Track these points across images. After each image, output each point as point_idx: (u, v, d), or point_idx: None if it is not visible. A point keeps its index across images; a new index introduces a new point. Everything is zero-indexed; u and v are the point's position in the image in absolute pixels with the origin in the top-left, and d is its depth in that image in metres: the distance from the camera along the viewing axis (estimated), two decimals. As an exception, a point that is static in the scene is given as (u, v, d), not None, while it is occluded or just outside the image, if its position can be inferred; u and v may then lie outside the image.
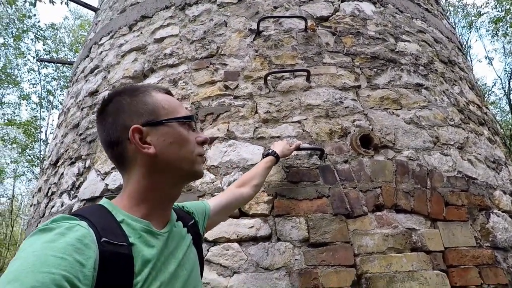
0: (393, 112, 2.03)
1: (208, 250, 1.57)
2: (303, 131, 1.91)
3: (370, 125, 1.95)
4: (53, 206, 2.40)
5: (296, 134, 1.89)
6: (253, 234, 1.57)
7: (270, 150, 1.58)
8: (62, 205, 2.30)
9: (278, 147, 1.60)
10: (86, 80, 2.99)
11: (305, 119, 1.95)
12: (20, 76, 13.12)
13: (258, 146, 1.86)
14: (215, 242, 1.59)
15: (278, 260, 1.49)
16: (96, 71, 2.93)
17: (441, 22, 3.16)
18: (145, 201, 0.68)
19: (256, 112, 2.00)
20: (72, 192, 2.29)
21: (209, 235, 1.61)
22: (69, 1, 5.62)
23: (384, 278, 1.46)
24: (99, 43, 3.15)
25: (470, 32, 12.24)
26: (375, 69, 2.20)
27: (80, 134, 2.57)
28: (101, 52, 3.02)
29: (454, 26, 3.87)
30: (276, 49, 2.24)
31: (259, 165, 1.44)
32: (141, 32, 2.76)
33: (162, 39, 2.58)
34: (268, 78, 2.10)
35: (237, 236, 1.57)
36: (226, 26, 2.41)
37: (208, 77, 2.21)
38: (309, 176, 1.74)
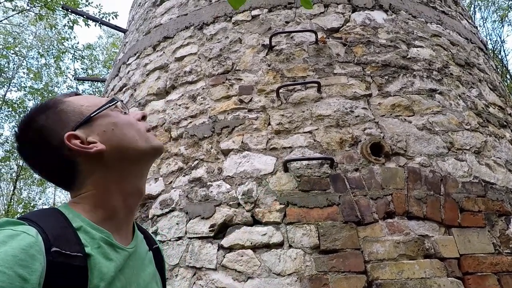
0: (405, 119, 2.04)
1: (224, 256, 1.68)
2: (314, 141, 1.97)
3: (381, 133, 1.98)
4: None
5: (307, 144, 1.96)
6: (266, 241, 1.66)
7: None
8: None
9: None
10: (116, 98, 3.25)
11: (316, 129, 2.02)
12: (60, 93, 14.21)
13: (271, 157, 1.96)
14: (230, 248, 1.69)
15: (290, 266, 1.56)
16: (124, 89, 3.18)
17: (460, 23, 3.09)
18: (106, 207, 0.62)
19: (269, 124, 2.10)
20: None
21: (225, 242, 1.72)
22: (102, 24, 6.09)
23: (395, 285, 1.48)
24: (127, 63, 3.42)
25: (502, 26, 11.59)
26: (387, 77, 2.22)
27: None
28: (129, 71, 3.28)
29: (476, 26, 3.75)
30: (288, 62, 2.34)
31: None
32: (164, 52, 2.97)
33: (182, 58, 2.77)
34: (280, 90, 2.20)
35: (251, 243, 1.67)
36: (241, 43, 2.55)
37: (224, 92, 2.35)
38: (320, 184, 1.80)
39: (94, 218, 0.59)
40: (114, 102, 0.67)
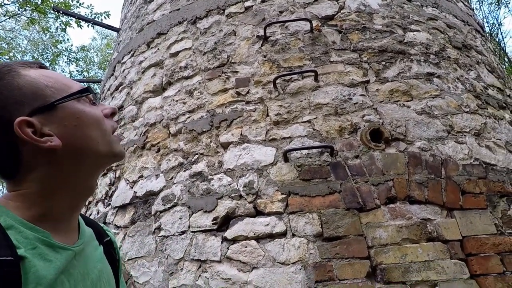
0: (403, 104, 2.03)
1: (228, 248, 1.68)
2: (313, 130, 1.97)
3: (380, 119, 1.97)
4: (90, 214, 2.64)
5: (306, 134, 1.96)
6: (269, 231, 1.66)
7: None
8: (98, 213, 2.52)
9: None
10: (113, 97, 3.24)
11: (314, 118, 2.01)
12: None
13: (271, 148, 1.95)
14: (234, 240, 1.70)
15: (294, 255, 1.57)
16: (120, 88, 3.16)
17: (456, 5, 3.07)
18: (46, 205, 0.54)
19: (267, 115, 2.09)
20: (106, 200, 2.51)
21: (228, 234, 1.72)
22: (94, 25, 6.03)
23: (399, 269, 1.49)
24: (122, 61, 3.40)
25: (499, 8, 11.48)
26: (383, 63, 2.21)
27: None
28: (124, 70, 3.26)
29: (472, 8, 3.71)
30: (284, 52, 2.32)
31: None
32: (158, 48, 2.95)
33: (177, 53, 2.75)
34: (277, 81, 2.18)
35: (254, 234, 1.67)
36: (235, 35, 2.53)
37: (221, 86, 2.33)
38: (321, 173, 1.80)
39: (28, 216, 0.51)
40: (85, 93, 0.58)
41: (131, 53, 3.28)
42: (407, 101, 2.05)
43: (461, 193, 1.73)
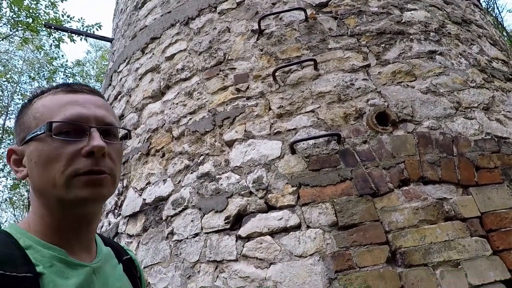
0: (407, 85, 1.99)
1: (243, 246, 1.66)
2: (318, 119, 1.93)
3: (385, 101, 1.93)
4: (102, 226, 2.63)
5: (311, 124, 1.92)
6: (283, 225, 1.63)
7: None
8: (109, 224, 2.51)
9: None
10: (112, 107, 3.23)
11: (318, 107, 1.98)
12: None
13: (276, 141, 1.92)
14: (248, 237, 1.67)
15: (311, 246, 1.54)
16: (119, 97, 3.14)
17: (450, -19, 3.00)
18: (51, 227, 0.56)
19: (270, 108, 2.06)
20: (116, 210, 2.50)
21: (242, 232, 1.70)
22: (87, 37, 6.03)
23: (419, 251, 1.46)
24: (118, 70, 3.38)
25: (493, -19, 11.33)
26: (383, 45, 2.16)
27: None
28: (121, 78, 3.24)
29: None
30: (280, 44, 2.29)
31: None
32: (153, 53, 2.92)
33: (172, 56, 2.72)
34: (276, 74, 2.15)
35: (268, 229, 1.64)
36: (229, 32, 2.50)
37: (220, 84, 2.31)
38: (330, 162, 1.77)
39: (44, 236, 0.55)
40: (41, 132, 0.54)
41: (126, 61, 3.26)
42: (411, 81, 2.01)
43: (475, 169, 1.69)
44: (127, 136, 0.67)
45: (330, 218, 1.58)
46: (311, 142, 1.84)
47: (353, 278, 1.41)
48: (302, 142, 1.83)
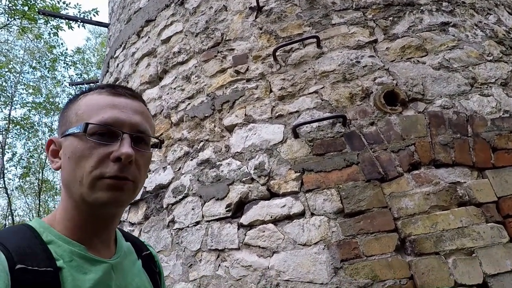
0: (418, 61, 1.85)
1: (245, 235, 1.60)
2: (322, 100, 1.82)
3: (393, 79, 1.80)
4: (105, 215, 2.60)
5: (315, 105, 1.81)
6: (286, 212, 1.56)
7: None
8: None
9: None
10: (111, 94, 3.14)
11: (322, 88, 1.86)
12: (61, 103, 14.28)
13: (278, 125, 1.82)
14: (250, 225, 1.61)
15: (315, 234, 1.47)
16: (117, 83, 3.05)
17: None
18: (74, 221, 0.58)
19: (271, 90, 1.95)
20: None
21: (244, 220, 1.63)
22: (85, 24, 5.88)
23: (430, 239, 1.37)
24: (114, 56, 3.27)
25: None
26: (391, 18, 2.01)
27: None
28: (118, 64, 3.14)
29: None
30: (280, 21, 2.14)
31: None
32: (149, 37, 2.80)
33: (168, 39, 2.60)
34: (277, 53, 2.02)
35: (271, 217, 1.58)
36: (227, 10, 2.35)
37: (218, 66, 2.19)
38: (335, 145, 1.67)
39: (66, 231, 0.57)
40: (78, 131, 0.56)
41: (122, 46, 3.15)
42: (422, 56, 1.87)
43: (492, 150, 1.58)
44: (157, 145, 0.69)
45: (336, 205, 1.50)
46: (314, 125, 1.74)
47: (359, 268, 1.34)
48: (305, 125, 1.73)
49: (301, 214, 1.54)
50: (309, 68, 1.94)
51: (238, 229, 1.64)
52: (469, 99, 1.72)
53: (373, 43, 1.95)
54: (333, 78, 1.86)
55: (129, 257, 0.66)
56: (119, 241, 0.66)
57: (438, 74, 1.80)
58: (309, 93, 1.87)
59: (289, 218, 1.56)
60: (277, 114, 1.86)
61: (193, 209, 1.85)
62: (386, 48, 1.92)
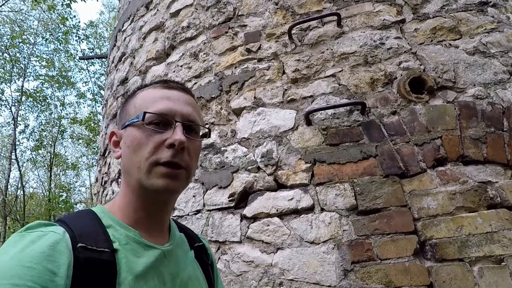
0: (450, 44, 1.65)
1: (248, 227, 1.49)
2: (339, 85, 1.66)
3: (421, 64, 1.62)
4: (107, 194, 2.55)
5: (331, 90, 1.65)
6: (294, 206, 1.44)
7: None
8: (113, 193, 2.42)
9: None
10: (117, 69, 3.02)
11: (340, 71, 1.69)
12: (74, 77, 14.30)
13: (290, 110, 1.67)
14: (254, 218, 1.50)
15: (324, 232, 1.35)
16: (123, 58, 2.92)
17: None
18: (131, 207, 0.63)
19: (284, 72, 1.79)
20: (120, 179, 2.39)
21: (248, 211, 1.52)
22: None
23: (454, 243, 1.24)
24: (122, 29, 3.13)
25: None
26: (423, -5, 1.79)
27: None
28: (125, 38, 3.00)
29: None
30: (298, -5, 1.94)
31: None
32: (157, 10, 2.64)
33: (177, 12, 2.43)
34: (293, 31, 1.85)
35: (277, 210, 1.46)
36: (240, -18, 2.16)
37: (228, 43, 2.03)
38: (351, 135, 1.52)
39: (124, 217, 0.61)
40: (135, 120, 0.62)
41: (131, 18, 2.99)
42: (455, 39, 1.67)
43: (529, 148, 1.40)
44: (207, 135, 0.71)
45: (349, 201, 1.37)
46: (330, 112, 1.58)
47: (372, 271, 1.22)
48: (320, 111, 1.58)
49: (310, 209, 1.42)
50: (327, 49, 1.76)
51: (241, 221, 1.53)
52: (507, 89, 1.53)
53: (400, 23, 1.74)
54: (353, 61, 1.69)
55: (182, 247, 0.69)
56: (172, 230, 0.69)
57: (473, 59, 1.60)
58: (326, 77, 1.70)
59: (297, 212, 1.44)
60: (289, 99, 1.71)
61: (194, 196, 1.74)
62: (415, 29, 1.72)
